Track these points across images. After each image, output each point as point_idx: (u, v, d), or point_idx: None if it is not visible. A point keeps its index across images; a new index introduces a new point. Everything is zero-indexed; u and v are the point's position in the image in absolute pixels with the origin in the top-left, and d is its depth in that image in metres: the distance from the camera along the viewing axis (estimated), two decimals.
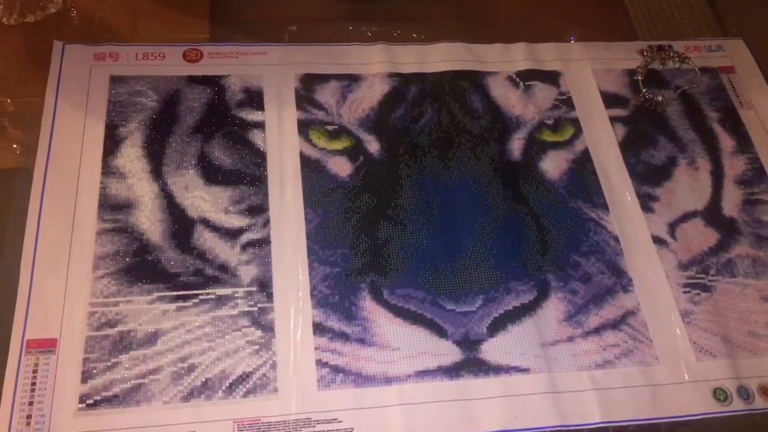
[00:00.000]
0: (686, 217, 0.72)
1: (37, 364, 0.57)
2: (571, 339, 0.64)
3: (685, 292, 0.67)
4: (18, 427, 0.55)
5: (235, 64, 0.75)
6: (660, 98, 0.79)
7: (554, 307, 0.66)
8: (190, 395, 0.58)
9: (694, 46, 0.84)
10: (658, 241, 0.70)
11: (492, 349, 0.62)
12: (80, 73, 0.71)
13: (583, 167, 0.75)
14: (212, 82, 0.73)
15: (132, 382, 0.58)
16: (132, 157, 0.68)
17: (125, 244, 0.64)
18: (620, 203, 0.73)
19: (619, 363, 0.64)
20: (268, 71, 0.75)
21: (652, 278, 0.67)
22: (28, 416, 0.55)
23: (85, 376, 0.57)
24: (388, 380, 0.60)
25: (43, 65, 0.72)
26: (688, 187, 0.74)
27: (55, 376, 0.57)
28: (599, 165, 0.75)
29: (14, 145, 0.72)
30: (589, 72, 0.81)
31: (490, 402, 0.60)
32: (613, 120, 0.78)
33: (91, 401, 0.57)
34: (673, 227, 0.71)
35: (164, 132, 0.69)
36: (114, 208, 0.65)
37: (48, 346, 0.58)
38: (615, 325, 0.66)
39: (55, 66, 0.71)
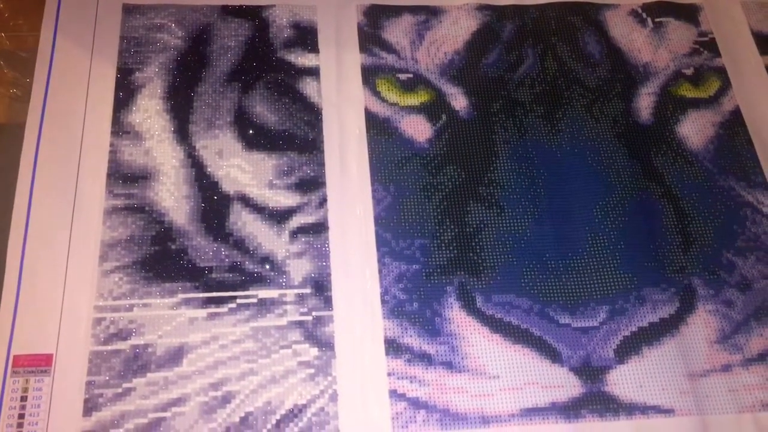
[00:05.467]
0: None
1: (26, 389, 0.46)
2: (727, 368, 0.50)
3: None
4: None
5: None
6: None
7: (703, 324, 0.51)
8: None
9: None
10: None
11: (622, 381, 0.49)
12: (85, 0, 0.59)
13: (734, 133, 0.59)
14: (253, 14, 0.60)
15: (150, 416, 0.46)
16: (150, 111, 0.56)
17: (141, 227, 0.51)
18: None
19: None
20: (324, 1, 0.62)
21: None
22: None
23: (89, 407, 0.46)
24: (484, 420, 0.47)
25: None
26: None
27: (50, 406, 0.46)
28: (755, 130, 0.60)
29: (12, 90, 0.58)
30: (738, 6, 0.66)
31: None
32: None
33: None
34: None
35: (191, 79, 0.57)
36: (127, 179, 0.53)
37: (40, 364, 0.46)
38: None
39: None
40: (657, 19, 0.63)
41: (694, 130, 0.58)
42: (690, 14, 0.64)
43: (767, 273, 0.53)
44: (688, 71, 0.61)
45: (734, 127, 0.59)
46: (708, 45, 0.62)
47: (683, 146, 0.58)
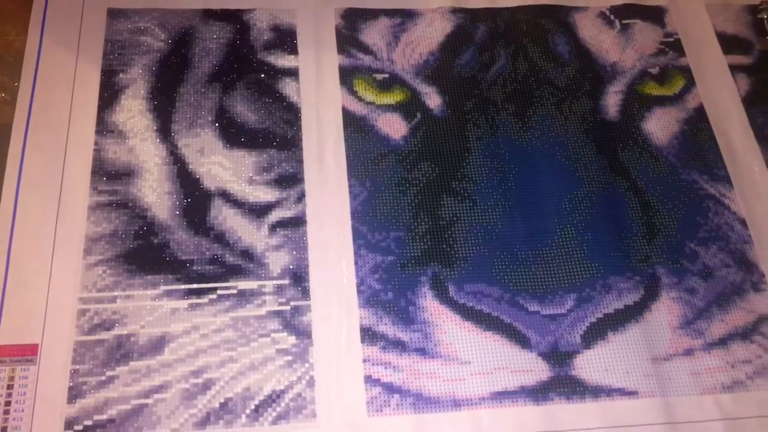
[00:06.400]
0: None
1: (12, 378, 0.47)
2: (689, 352, 0.52)
3: None
4: None
5: None
6: None
7: (667, 311, 0.53)
8: (206, 421, 0.47)
9: None
10: None
11: (588, 365, 0.50)
12: (71, 5, 0.60)
13: (697, 129, 0.61)
14: (233, 17, 0.61)
15: (132, 402, 0.47)
16: (134, 111, 0.57)
17: (125, 222, 0.52)
18: (746, 176, 0.59)
19: (752, 385, 0.51)
20: (303, 5, 0.63)
21: None
22: None
23: (73, 394, 0.47)
24: (456, 404, 0.49)
25: None
26: None
27: (35, 393, 0.47)
28: (718, 127, 0.61)
29: (1, 94, 0.60)
30: (702, 8, 0.67)
31: None
32: (734, 69, 0.64)
33: (80, 427, 0.46)
34: None
35: (174, 80, 0.58)
36: (111, 176, 0.54)
37: (27, 353, 0.47)
38: (745, 334, 0.53)
39: None
40: (624, 21, 0.65)
41: (659, 126, 0.60)
42: (656, 16, 0.66)
43: (728, 262, 0.55)
44: (654, 70, 0.63)
45: (698, 123, 0.61)
46: (673, 45, 0.64)
47: (648, 142, 0.60)
